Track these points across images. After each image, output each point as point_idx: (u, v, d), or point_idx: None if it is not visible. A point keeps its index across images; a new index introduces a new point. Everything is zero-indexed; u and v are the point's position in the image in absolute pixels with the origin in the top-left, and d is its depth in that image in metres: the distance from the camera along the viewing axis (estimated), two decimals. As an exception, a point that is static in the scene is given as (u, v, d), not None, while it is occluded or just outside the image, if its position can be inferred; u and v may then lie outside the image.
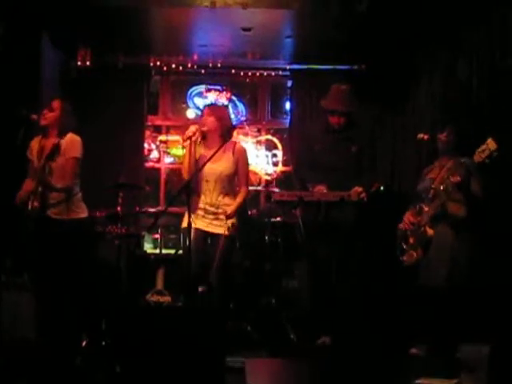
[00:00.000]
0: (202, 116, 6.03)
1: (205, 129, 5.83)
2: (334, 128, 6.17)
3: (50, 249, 5.57)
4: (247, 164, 6.10)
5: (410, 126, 7.95)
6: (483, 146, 5.17)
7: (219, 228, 5.83)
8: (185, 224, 5.59)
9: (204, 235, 5.86)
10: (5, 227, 6.17)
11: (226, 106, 8.67)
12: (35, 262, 5.69)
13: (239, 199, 5.91)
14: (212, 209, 5.85)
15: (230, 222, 5.80)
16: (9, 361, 5.10)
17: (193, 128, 5.80)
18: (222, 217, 5.84)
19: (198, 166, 5.72)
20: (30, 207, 5.55)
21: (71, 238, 5.68)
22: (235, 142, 6.08)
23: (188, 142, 5.80)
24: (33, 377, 4.86)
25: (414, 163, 7.50)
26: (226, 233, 5.79)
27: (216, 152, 5.55)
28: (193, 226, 5.53)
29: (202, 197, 5.86)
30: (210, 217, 5.85)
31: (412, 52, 7.94)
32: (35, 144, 5.81)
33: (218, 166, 5.82)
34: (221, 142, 5.76)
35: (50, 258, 5.55)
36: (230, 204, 5.86)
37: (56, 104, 5.79)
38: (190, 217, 5.33)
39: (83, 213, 5.86)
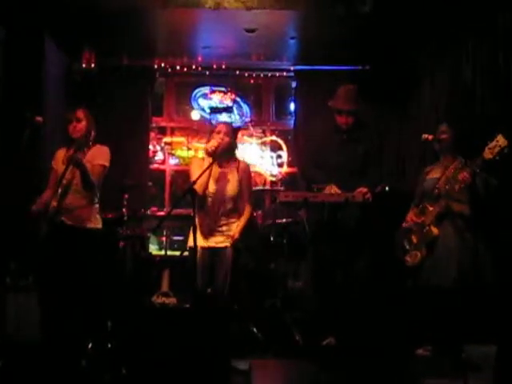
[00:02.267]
0: (217, 133, 5.95)
1: (222, 146, 5.81)
2: (342, 128, 6.16)
3: (60, 254, 5.58)
4: (251, 181, 6.11)
5: (414, 127, 7.94)
6: (493, 143, 5.16)
7: (223, 243, 5.83)
8: (190, 243, 5.57)
9: (209, 252, 5.83)
10: (10, 230, 6.19)
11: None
12: (44, 264, 5.70)
13: (243, 221, 5.89)
14: (216, 227, 5.84)
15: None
16: (14, 363, 5.11)
17: (215, 143, 5.77)
18: (226, 233, 5.85)
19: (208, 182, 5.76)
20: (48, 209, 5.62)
21: (83, 247, 5.68)
22: (239, 161, 6.06)
23: (210, 156, 5.77)
24: (38, 379, 4.87)
25: (419, 163, 7.49)
26: (230, 244, 5.81)
27: (208, 168, 5.55)
28: (199, 244, 5.52)
29: (207, 217, 5.85)
30: (215, 233, 5.85)
31: (416, 52, 7.93)
32: (61, 154, 5.84)
33: (224, 186, 5.82)
34: (227, 159, 5.83)
35: (60, 263, 5.56)
36: (234, 223, 5.88)
37: (81, 114, 5.82)
38: (194, 219, 5.32)
39: (98, 224, 5.85)
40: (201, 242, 5.71)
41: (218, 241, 5.83)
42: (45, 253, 5.66)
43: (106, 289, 6.01)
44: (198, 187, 5.57)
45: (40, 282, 5.93)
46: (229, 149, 5.88)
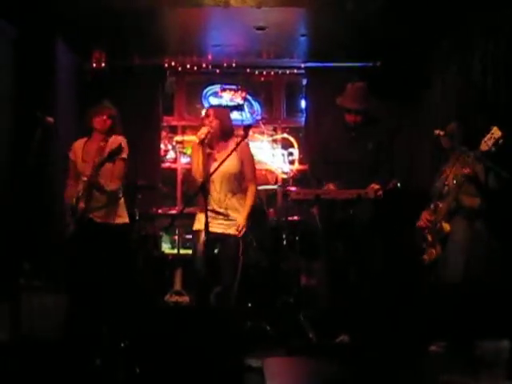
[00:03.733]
0: (206, 117, 5.97)
1: (212, 130, 5.80)
2: (351, 126, 6.16)
3: (91, 251, 5.62)
4: (252, 160, 6.04)
5: (425, 123, 7.92)
6: (488, 135, 5.27)
7: (229, 229, 5.80)
8: (196, 226, 5.70)
9: (214, 237, 5.80)
10: (23, 230, 6.21)
11: (228, 107, 8.71)
12: (74, 264, 5.73)
13: (248, 205, 5.85)
14: (221, 210, 5.80)
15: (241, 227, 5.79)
16: (28, 362, 5.13)
17: (205, 130, 5.77)
18: (231, 217, 5.82)
19: (207, 167, 5.71)
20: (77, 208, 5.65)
21: (114, 243, 5.74)
22: (237, 140, 6.03)
23: (201, 144, 5.78)
24: (53, 378, 4.88)
25: (430, 160, 7.47)
26: (237, 233, 5.76)
27: (230, 154, 5.54)
28: (202, 228, 5.49)
29: (210, 198, 5.81)
30: (220, 217, 5.81)
31: (427, 49, 7.91)
32: (79, 145, 5.89)
33: (224, 166, 5.78)
34: (223, 142, 5.80)
35: (91, 261, 5.59)
36: (239, 205, 5.84)
37: (114, 112, 5.99)
38: (207, 217, 5.29)
39: (126, 218, 5.91)
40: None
41: (224, 226, 5.80)
42: (75, 252, 5.70)
43: (122, 287, 6.02)
44: (195, 174, 5.62)
45: (70, 282, 5.95)
46: (221, 130, 5.85)
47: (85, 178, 5.65)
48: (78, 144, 5.91)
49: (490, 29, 6.44)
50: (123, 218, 5.87)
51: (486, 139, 5.27)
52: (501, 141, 5.21)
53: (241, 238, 5.76)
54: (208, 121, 5.85)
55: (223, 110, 6.20)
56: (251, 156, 6.04)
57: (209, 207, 5.71)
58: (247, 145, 6.10)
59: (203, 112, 9.10)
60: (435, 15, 6.94)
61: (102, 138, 5.80)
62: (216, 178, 5.75)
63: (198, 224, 5.56)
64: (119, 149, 5.56)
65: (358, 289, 5.95)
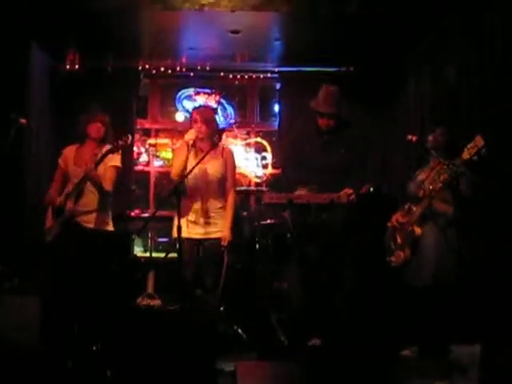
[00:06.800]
0: (192, 120, 5.96)
1: (200, 135, 5.79)
2: (323, 130, 6.17)
3: (72, 255, 5.61)
4: (235, 166, 6.10)
5: (399, 127, 7.97)
6: (471, 144, 5.27)
7: (211, 234, 5.81)
8: (175, 234, 5.58)
9: (196, 244, 5.82)
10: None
11: (215, 109, 8.72)
12: (58, 266, 5.75)
13: (230, 212, 5.89)
14: (202, 213, 5.81)
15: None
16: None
17: (191, 135, 5.75)
18: (212, 221, 5.82)
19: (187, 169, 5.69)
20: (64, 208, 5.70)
21: (95, 248, 5.78)
22: (223, 145, 6.08)
23: (186, 146, 5.76)
24: (24, 380, 4.85)
25: (403, 164, 7.52)
26: (223, 243, 5.78)
27: (206, 154, 5.56)
28: (185, 235, 5.51)
29: (194, 201, 5.82)
30: (201, 222, 5.81)
31: (400, 53, 7.95)
32: (70, 151, 5.91)
33: (208, 169, 5.80)
34: (210, 144, 5.77)
35: (69, 264, 5.59)
36: (220, 209, 5.85)
37: (106, 119, 6.08)
38: (179, 219, 5.31)
39: (110, 226, 5.93)
40: (187, 233, 5.69)
41: (205, 231, 5.81)
42: (56, 254, 5.68)
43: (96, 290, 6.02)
44: (174, 173, 5.63)
45: (44, 284, 5.93)
46: (208, 134, 5.83)
47: (76, 180, 5.67)
48: (69, 150, 5.94)
49: (464, 33, 6.48)
50: (106, 225, 5.89)
51: (468, 147, 5.27)
52: (483, 150, 5.23)
53: (223, 247, 5.80)
54: (196, 126, 5.81)
55: (209, 113, 6.16)
56: (235, 163, 6.09)
57: (191, 211, 5.74)
58: (232, 152, 6.13)
59: (179, 116, 9.31)
60: (409, 20, 6.99)
61: (95, 145, 5.84)
62: (200, 180, 5.77)
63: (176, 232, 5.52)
64: (117, 147, 5.74)
65: (330, 293, 5.96)
